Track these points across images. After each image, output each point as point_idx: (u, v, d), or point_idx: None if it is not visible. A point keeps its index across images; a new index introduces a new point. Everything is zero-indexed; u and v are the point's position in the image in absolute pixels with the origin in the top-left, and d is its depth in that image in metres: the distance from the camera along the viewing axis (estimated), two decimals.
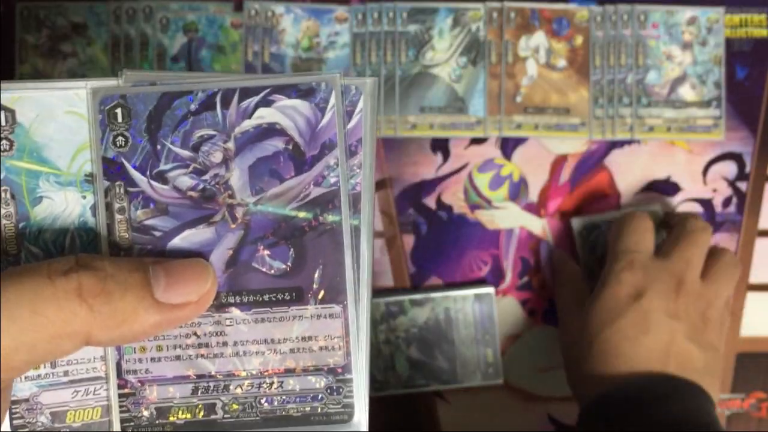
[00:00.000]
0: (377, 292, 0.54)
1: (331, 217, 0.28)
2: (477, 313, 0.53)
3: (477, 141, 0.54)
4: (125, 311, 0.24)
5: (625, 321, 0.45)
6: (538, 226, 0.55)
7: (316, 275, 0.28)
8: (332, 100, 0.27)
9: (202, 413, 0.27)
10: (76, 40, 0.53)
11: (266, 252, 0.28)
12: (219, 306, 0.27)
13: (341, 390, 0.28)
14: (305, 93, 0.27)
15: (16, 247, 0.27)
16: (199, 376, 0.27)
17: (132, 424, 0.27)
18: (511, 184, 0.55)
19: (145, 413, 0.27)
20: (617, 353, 0.44)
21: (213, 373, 0.27)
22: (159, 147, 0.27)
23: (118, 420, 0.27)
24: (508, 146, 0.55)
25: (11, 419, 0.27)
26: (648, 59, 0.55)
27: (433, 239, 0.54)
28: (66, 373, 0.27)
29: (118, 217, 0.27)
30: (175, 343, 0.28)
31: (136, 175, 0.27)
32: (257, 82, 0.27)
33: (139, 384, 0.27)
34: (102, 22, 0.53)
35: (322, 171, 0.28)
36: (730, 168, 0.55)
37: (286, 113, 0.27)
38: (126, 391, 0.27)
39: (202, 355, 0.27)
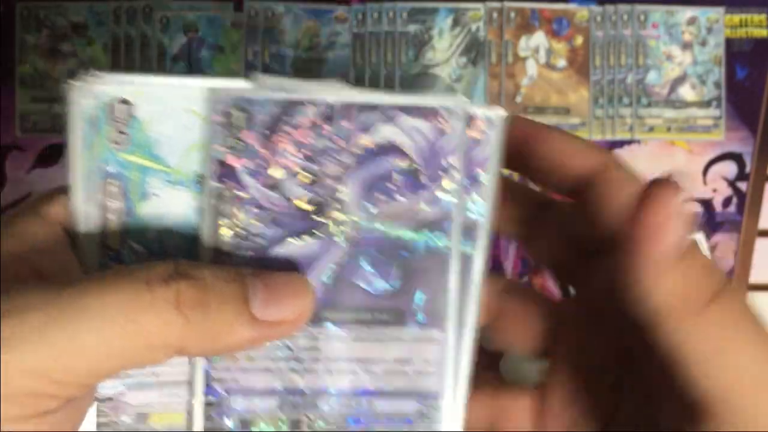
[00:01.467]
0: None
1: (441, 242, 0.27)
2: None
3: None
4: (221, 325, 0.24)
5: None
6: None
7: (419, 298, 0.27)
8: (456, 125, 0.27)
9: (286, 428, 0.27)
10: (76, 40, 0.53)
11: (370, 270, 0.27)
12: (315, 321, 0.27)
13: (432, 416, 0.27)
14: (429, 114, 0.27)
15: (118, 242, 0.27)
16: (288, 390, 0.27)
17: None
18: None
19: (229, 423, 0.27)
20: None
21: (302, 388, 0.27)
22: (276, 153, 0.27)
23: (201, 428, 0.27)
24: None
25: (97, 416, 0.27)
26: (648, 59, 0.55)
27: None
28: (154, 374, 0.27)
29: (224, 221, 0.27)
30: (267, 354, 0.27)
31: (247, 180, 0.27)
32: (381, 99, 0.27)
33: (225, 393, 0.27)
34: (102, 22, 0.53)
35: (437, 195, 0.27)
36: (730, 168, 0.55)
37: (407, 132, 0.27)
38: (211, 399, 0.27)
39: (293, 369, 0.27)
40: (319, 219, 0.27)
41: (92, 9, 0.54)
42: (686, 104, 0.54)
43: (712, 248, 0.52)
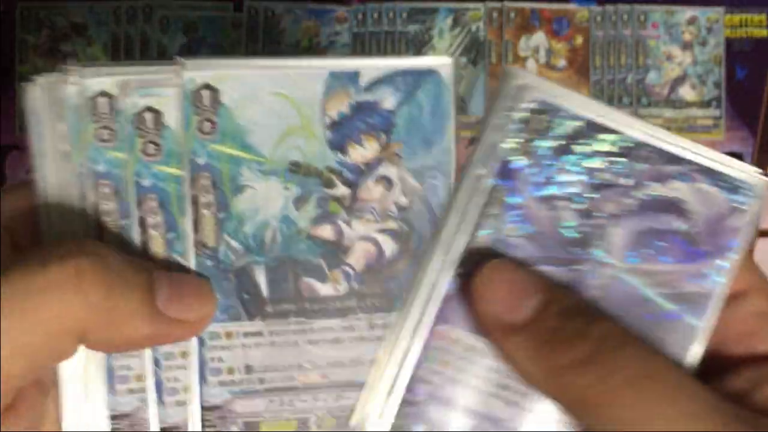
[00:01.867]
0: None
1: (690, 320, 0.25)
2: None
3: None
4: (125, 311, 0.22)
5: None
6: None
7: None
8: (752, 207, 0.25)
9: None
10: (76, 40, 0.53)
11: None
12: None
13: None
14: (728, 188, 0.25)
15: (214, 239, 0.25)
16: (486, 416, 0.25)
17: None
18: None
19: (419, 428, 0.25)
20: None
21: (501, 417, 0.25)
22: (558, 171, 0.25)
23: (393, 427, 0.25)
24: None
25: (203, 426, 0.25)
26: (648, 59, 0.55)
27: None
28: (261, 381, 0.26)
29: (486, 220, 0.25)
30: (479, 372, 0.25)
31: (525, 188, 0.25)
32: (686, 154, 0.25)
33: (427, 397, 0.25)
34: (102, 22, 0.53)
35: (706, 270, 0.25)
36: None
37: (701, 198, 0.25)
38: (410, 397, 0.25)
39: (498, 396, 0.25)
40: (579, 252, 0.25)
41: (92, 9, 0.54)
42: (686, 104, 0.54)
43: None
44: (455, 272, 0.25)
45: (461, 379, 0.25)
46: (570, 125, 0.25)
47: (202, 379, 0.25)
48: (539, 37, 0.55)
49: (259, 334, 0.26)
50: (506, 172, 0.25)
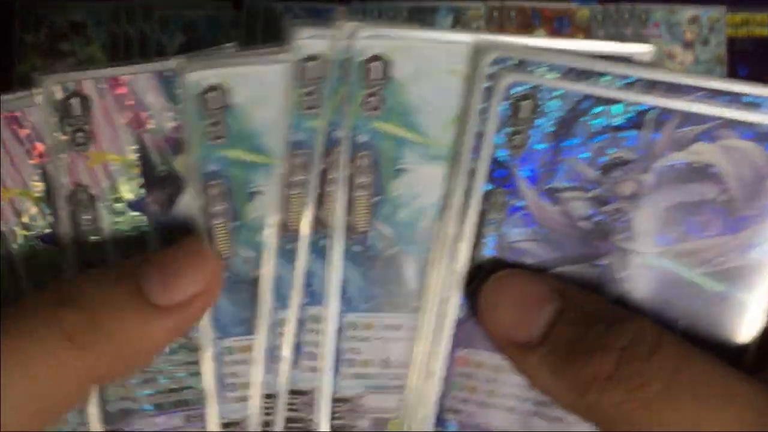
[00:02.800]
0: None
1: (742, 296, 0.22)
2: None
3: None
4: (124, 336, 0.21)
5: None
6: None
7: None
8: None
9: None
10: (75, 40, 0.53)
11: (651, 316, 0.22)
12: None
13: None
14: (760, 136, 0.21)
15: (365, 224, 0.23)
16: None
17: None
18: None
19: None
20: None
21: None
22: (560, 158, 0.22)
23: None
24: None
25: (332, 418, 0.23)
26: None
27: None
28: (396, 376, 0.24)
29: (488, 229, 0.23)
30: (511, 392, 0.23)
31: (524, 185, 0.22)
32: (707, 109, 0.21)
33: (459, 428, 0.23)
34: (101, 21, 0.53)
35: (752, 239, 0.22)
36: None
37: (731, 156, 0.21)
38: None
39: (538, 414, 0.23)
40: (601, 246, 0.22)
41: (91, 8, 0.54)
42: None
43: None
44: (464, 291, 0.23)
45: (493, 403, 0.23)
46: (562, 106, 0.22)
47: (336, 370, 0.24)
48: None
49: (399, 327, 0.24)
50: (499, 173, 0.22)
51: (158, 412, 0.24)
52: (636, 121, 0.21)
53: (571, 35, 0.55)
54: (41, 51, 0.54)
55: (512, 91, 0.21)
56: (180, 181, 0.23)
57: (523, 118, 0.22)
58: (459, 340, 0.23)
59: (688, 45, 0.55)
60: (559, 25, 0.54)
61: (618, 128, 0.21)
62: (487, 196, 0.22)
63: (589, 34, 0.55)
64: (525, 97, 0.21)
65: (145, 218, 0.23)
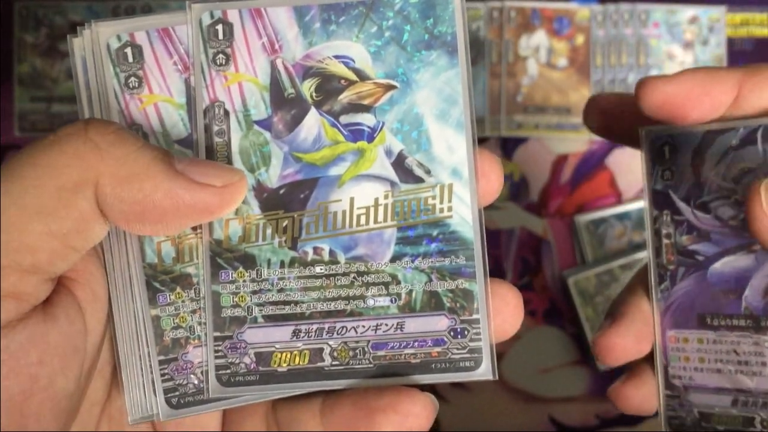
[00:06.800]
0: None
1: None
2: None
3: (477, 140, 0.54)
4: (137, 163, 0.22)
5: None
6: (539, 226, 0.55)
7: None
8: None
9: (739, 425, 0.29)
10: None
11: None
12: (758, 328, 0.28)
13: None
14: None
15: None
16: (739, 390, 0.28)
17: (677, 422, 0.30)
18: (512, 184, 0.54)
19: (688, 416, 0.29)
20: None
21: (752, 388, 0.28)
22: (702, 179, 0.28)
23: (666, 418, 0.30)
24: (508, 146, 0.54)
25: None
26: (649, 58, 0.54)
27: None
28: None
29: (665, 241, 0.29)
30: (716, 357, 0.29)
31: (681, 205, 0.29)
32: None
33: (684, 389, 0.29)
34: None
35: None
36: None
37: None
38: (670, 393, 0.30)
39: (741, 372, 0.28)
40: (750, 236, 0.27)
41: (91, 8, 0.53)
42: None
43: None
44: (655, 288, 0.30)
45: (705, 367, 0.29)
46: (691, 144, 0.29)
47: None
48: (540, 37, 0.54)
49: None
50: (660, 200, 0.29)
51: (268, 323, 0.26)
52: (749, 140, 0.27)
53: (571, 35, 0.55)
54: (41, 51, 0.53)
55: (655, 143, 0.29)
56: (305, 104, 0.26)
57: (667, 159, 0.29)
58: (666, 324, 0.30)
59: (688, 45, 0.55)
60: (559, 25, 0.54)
61: (737, 147, 0.28)
62: (655, 218, 0.29)
63: (588, 34, 0.55)
64: (664, 144, 0.29)
65: (268, 135, 0.26)
